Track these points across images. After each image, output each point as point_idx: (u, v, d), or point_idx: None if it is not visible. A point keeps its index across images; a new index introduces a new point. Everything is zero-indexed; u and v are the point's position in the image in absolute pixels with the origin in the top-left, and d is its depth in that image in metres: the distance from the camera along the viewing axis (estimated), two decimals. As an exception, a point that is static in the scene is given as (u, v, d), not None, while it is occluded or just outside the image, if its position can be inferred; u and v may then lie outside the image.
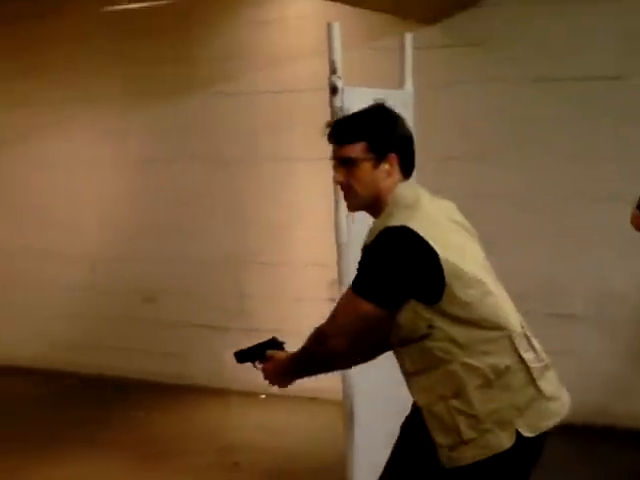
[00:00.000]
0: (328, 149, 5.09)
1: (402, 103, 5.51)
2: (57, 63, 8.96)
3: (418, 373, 3.18)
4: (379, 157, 3.26)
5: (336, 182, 3.33)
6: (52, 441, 7.03)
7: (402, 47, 5.65)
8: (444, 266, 3.03)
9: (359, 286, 3.12)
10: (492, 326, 3.11)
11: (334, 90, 4.71)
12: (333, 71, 4.70)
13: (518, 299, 7.07)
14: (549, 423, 3.14)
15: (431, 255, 3.02)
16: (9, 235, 9.52)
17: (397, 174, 3.29)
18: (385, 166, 3.26)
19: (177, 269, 8.55)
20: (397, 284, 3.07)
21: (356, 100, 4.86)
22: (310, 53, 7.57)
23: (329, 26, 4.72)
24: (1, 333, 9.52)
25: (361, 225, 4.99)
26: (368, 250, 3.16)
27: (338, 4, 6.62)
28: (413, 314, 3.09)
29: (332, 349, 3.18)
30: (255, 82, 8.01)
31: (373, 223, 3.25)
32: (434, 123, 6.97)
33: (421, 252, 3.03)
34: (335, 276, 5.10)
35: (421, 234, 3.04)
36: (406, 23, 6.83)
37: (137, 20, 8.39)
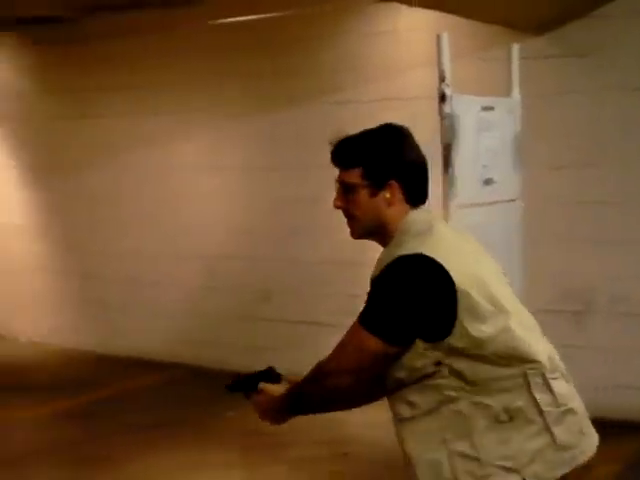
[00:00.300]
0: (435, 154, 5.37)
1: (509, 111, 5.74)
2: (178, 74, 9.33)
3: (416, 417, 2.86)
4: (376, 184, 2.95)
5: (335, 206, 3.04)
6: (176, 428, 7.35)
7: (509, 57, 5.83)
8: (459, 297, 2.73)
9: (367, 320, 2.79)
10: (506, 363, 2.79)
11: (443, 97, 4.91)
12: (442, 79, 4.90)
13: (624, 301, 7.21)
14: (557, 473, 2.81)
15: (448, 283, 2.73)
16: (138, 238, 9.91)
17: (400, 204, 2.96)
18: (385, 194, 2.95)
19: (291, 269, 8.81)
20: (410, 318, 2.75)
21: (464, 107, 5.12)
22: (420, 64, 7.76)
23: (438, 37, 4.91)
24: (127, 329, 9.95)
25: (471, 222, 5.21)
26: (378, 280, 2.83)
27: (448, 16, 6.80)
28: (417, 352, 2.78)
29: (334, 388, 2.88)
30: (367, 91, 8.20)
31: (381, 253, 2.95)
32: (542, 131, 7.07)
33: (438, 280, 2.73)
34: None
35: (437, 260, 2.75)
36: (514, 34, 6.91)
37: (254, 32, 8.68)
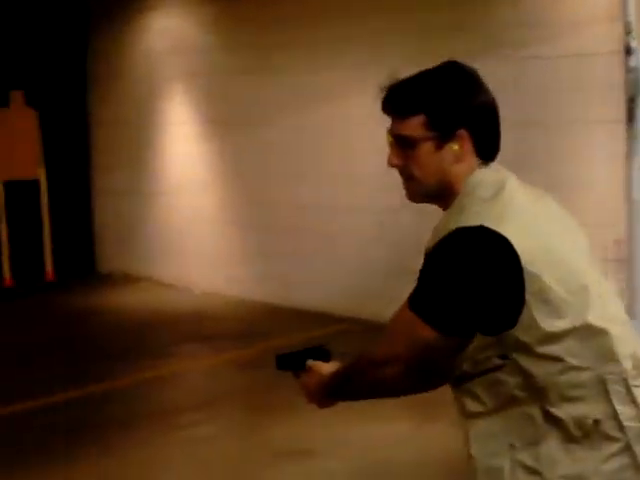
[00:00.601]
0: (621, 111, 5.22)
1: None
2: (356, 29, 9.32)
3: (482, 415, 2.46)
4: (443, 135, 2.46)
5: (390, 165, 2.60)
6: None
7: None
8: (527, 280, 2.29)
9: (418, 304, 2.41)
10: (583, 366, 2.35)
11: (628, 50, 4.82)
12: (628, 31, 4.81)
13: None
14: None
15: (514, 264, 2.29)
16: (314, 191, 9.99)
17: (471, 157, 2.48)
18: (453, 146, 2.46)
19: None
20: (467, 305, 2.33)
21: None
22: (601, 20, 7.57)
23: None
24: (301, 280, 10.08)
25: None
26: (431, 257, 2.45)
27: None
28: (480, 343, 2.38)
29: (383, 378, 2.51)
30: (549, 47, 8.01)
31: (440, 219, 2.53)
32: None
33: (502, 260, 2.30)
34: (621, 235, 5.18)
35: (503, 234, 2.30)
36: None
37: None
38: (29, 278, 11.65)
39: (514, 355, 2.35)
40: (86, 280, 12.12)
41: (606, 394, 2.36)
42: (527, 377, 2.36)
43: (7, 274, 11.55)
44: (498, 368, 2.38)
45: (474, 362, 2.41)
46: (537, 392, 2.36)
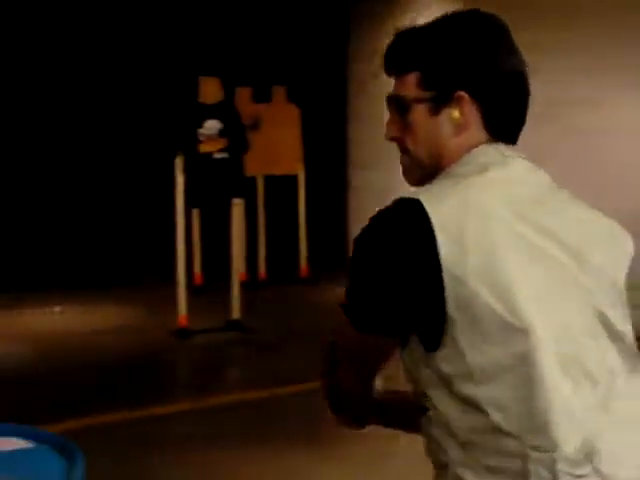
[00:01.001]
0: None
1: None
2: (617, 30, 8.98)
3: (433, 465, 1.91)
4: (439, 96, 1.91)
5: (386, 137, 2.02)
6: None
7: None
8: (447, 283, 1.74)
9: (346, 294, 1.90)
10: (512, 429, 1.74)
11: None
12: None
13: None
14: None
15: (433, 256, 1.75)
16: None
17: (476, 131, 1.91)
18: (452, 113, 1.90)
19: None
20: (374, 293, 1.84)
21: None
22: None
23: None
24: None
25: None
26: (358, 234, 1.90)
27: None
28: (410, 357, 1.86)
29: (340, 386, 2.03)
30: None
31: None
32: None
33: (421, 246, 1.77)
34: None
35: (431, 216, 1.77)
36: None
37: None
38: (283, 272, 11.80)
39: (431, 392, 1.81)
40: (337, 277, 12.19)
41: (525, 476, 1.74)
42: (447, 429, 1.80)
43: (262, 267, 11.74)
44: (424, 410, 1.85)
45: (415, 387, 1.90)
46: (455, 451, 1.80)
